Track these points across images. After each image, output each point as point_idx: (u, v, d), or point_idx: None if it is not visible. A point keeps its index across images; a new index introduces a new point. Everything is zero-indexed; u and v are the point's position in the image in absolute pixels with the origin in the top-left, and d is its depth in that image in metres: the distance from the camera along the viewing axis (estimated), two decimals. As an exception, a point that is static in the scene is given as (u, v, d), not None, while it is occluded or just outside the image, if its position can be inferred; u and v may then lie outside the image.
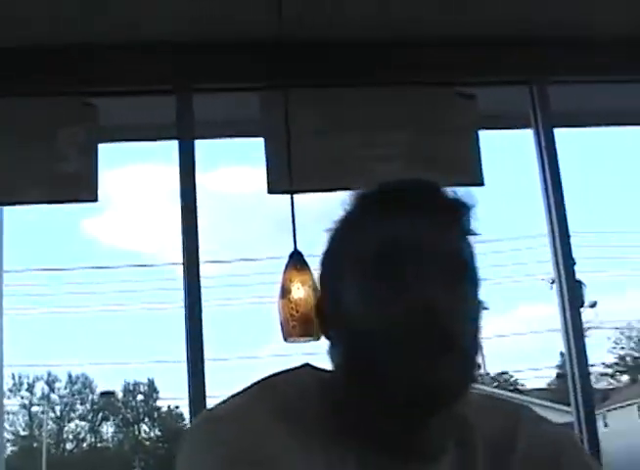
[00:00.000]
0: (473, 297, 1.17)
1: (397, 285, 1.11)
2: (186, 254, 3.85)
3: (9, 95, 3.97)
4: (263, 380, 1.22)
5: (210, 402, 3.29)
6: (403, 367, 1.09)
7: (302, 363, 1.26)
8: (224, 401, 1.19)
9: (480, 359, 1.18)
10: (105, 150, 4.03)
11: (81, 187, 3.90)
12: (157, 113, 4.16)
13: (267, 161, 3.98)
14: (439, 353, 1.09)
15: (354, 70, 4.12)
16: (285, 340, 3.63)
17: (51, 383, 39.92)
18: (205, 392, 3.78)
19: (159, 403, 39.24)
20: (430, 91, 4.23)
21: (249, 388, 1.21)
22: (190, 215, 3.87)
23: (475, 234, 1.21)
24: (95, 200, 3.90)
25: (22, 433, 39.24)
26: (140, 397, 40.74)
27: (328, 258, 1.23)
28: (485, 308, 1.19)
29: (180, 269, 3.88)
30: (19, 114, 3.98)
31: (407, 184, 1.19)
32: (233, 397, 1.20)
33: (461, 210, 1.19)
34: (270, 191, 3.94)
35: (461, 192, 1.20)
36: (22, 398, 39.27)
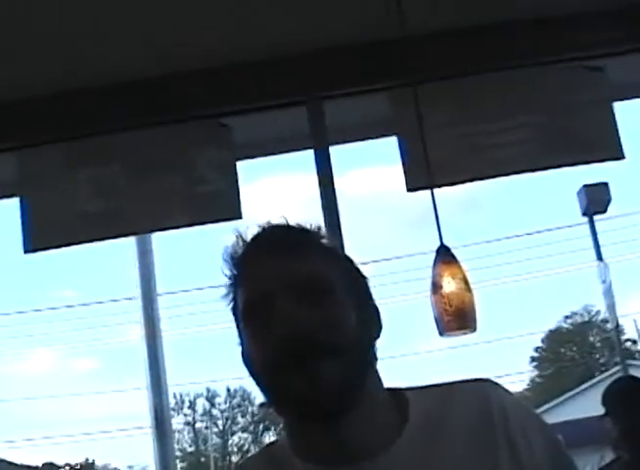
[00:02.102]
0: (344, 307, 1.32)
1: (268, 322, 1.29)
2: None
3: (141, 126, 4.10)
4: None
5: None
6: (291, 385, 1.26)
7: None
8: None
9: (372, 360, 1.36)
10: (241, 166, 4.11)
11: (225, 206, 3.98)
12: (289, 125, 4.21)
13: (403, 158, 3.97)
14: (318, 362, 1.26)
15: (478, 57, 4.07)
16: (441, 335, 3.61)
17: (211, 398, 40.90)
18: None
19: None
20: (556, 69, 4.15)
21: None
22: (332, 220, 3.90)
23: (335, 252, 1.41)
24: (239, 217, 3.98)
25: (189, 449, 40.29)
26: (298, 404, 41.25)
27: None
28: (376, 311, 1.40)
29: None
30: (156, 143, 4.10)
31: (262, 235, 1.39)
32: None
33: (309, 238, 1.39)
34: (409, 189, 3.92)
35: (306, 223, 1.40)
36: (186, 415, 40.34)
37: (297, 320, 1.27)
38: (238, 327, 1.40)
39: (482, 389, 1.40)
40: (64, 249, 4.11)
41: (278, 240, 1.37)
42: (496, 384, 1.42)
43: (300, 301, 1.30)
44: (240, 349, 1.40)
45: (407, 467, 1.28)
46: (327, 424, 1.29)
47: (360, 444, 1.30)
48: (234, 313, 1.41)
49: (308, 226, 1.41)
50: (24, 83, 3.97)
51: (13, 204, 4.11)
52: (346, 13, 3.84)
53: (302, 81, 4.03)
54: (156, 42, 3.86)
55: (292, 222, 1.40)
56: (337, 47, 3.98)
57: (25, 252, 4.04)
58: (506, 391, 1.41)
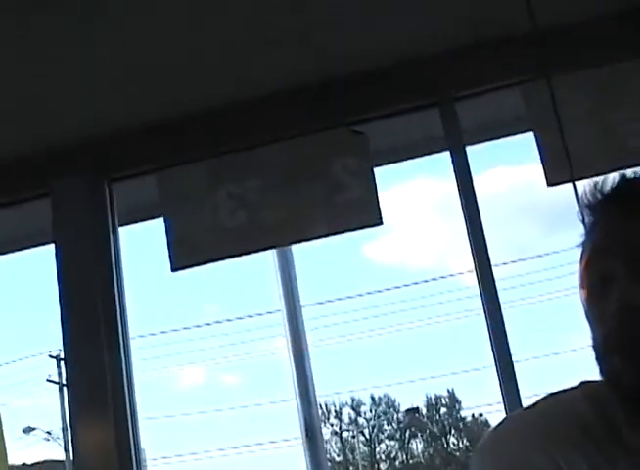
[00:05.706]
0: None
1: (605, 298, 1.27)
2: (477, 260, 3.84)
3: (278, 139, 4.17)
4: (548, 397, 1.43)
5: (526, 403, 3.25)
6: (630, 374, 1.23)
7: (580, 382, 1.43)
8: (512, 417, 1.45)
9: None
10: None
11: (365, 213, 4.00)
12: (422, 128, 4.20)
13: (541, 153, 3.90)
14: None
15: (610, 45, 3.97)
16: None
17: (356, 407, 40.98)
18: (519, 394, 3.74)
19: (462, 414, 39.35)
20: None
21: (533, 406, 1.42)
22: (474, 223, 3.86)
23: None
24: (380, 223, 3.99)
25: (337, 458, 40.46)
26: (443, 409, 41.02)
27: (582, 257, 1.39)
28: None
29: (468, 278, 3.88)
30: (292, 154, 4.15)
31: (623, 190, 1.32)
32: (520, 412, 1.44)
33: None
34: (550, 184, 3.86)
35: None
36: (332, 425, 40.54)
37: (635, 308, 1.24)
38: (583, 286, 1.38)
39: None
40: (207, 265, 4.19)
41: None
42: None
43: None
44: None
45: None
46: None
47: None
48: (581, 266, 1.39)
49: None
50: (164, 106, 4.08)
51: (158, 224, 4.23)
52: (473, 10, 3.80)
53: (433, 83, 4.01)
54: (285, 58, 3.91)
55: None
56: (466, 45, 3.95)
57: (173, 270, 4.14)
58: None
